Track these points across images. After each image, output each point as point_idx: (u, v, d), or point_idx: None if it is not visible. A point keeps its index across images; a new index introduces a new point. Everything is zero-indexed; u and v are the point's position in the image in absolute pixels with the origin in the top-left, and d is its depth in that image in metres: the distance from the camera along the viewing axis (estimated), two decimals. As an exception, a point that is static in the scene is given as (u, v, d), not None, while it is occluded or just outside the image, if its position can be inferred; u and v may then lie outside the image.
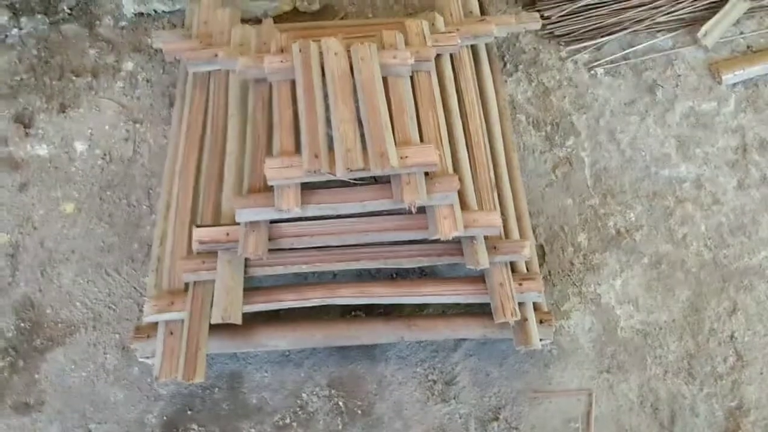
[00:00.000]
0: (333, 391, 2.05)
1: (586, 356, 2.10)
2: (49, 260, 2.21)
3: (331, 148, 1.90)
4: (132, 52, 2.60)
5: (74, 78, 2.55)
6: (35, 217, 2.28)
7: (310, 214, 1.94)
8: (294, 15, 2.67)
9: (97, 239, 2.24)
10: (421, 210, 1.96)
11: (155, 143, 2.40)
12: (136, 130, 2.43)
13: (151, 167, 2.35)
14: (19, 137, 2.42)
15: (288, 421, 2.01)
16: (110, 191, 2.32)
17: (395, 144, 1.93)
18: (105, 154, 2.38)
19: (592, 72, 2.59)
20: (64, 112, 2.48)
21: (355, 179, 1.91)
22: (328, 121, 1.96)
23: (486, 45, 2.44)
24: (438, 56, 2.25)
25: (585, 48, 2.63)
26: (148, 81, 2.53)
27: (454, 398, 2.04)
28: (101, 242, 2.24)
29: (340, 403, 2.04)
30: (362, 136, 1.93)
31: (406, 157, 1.91)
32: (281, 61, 2.05)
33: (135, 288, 2.16)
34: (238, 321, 1.89)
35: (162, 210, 2.13)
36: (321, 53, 2.06)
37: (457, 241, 1.99)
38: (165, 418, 2.01)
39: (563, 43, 2.64)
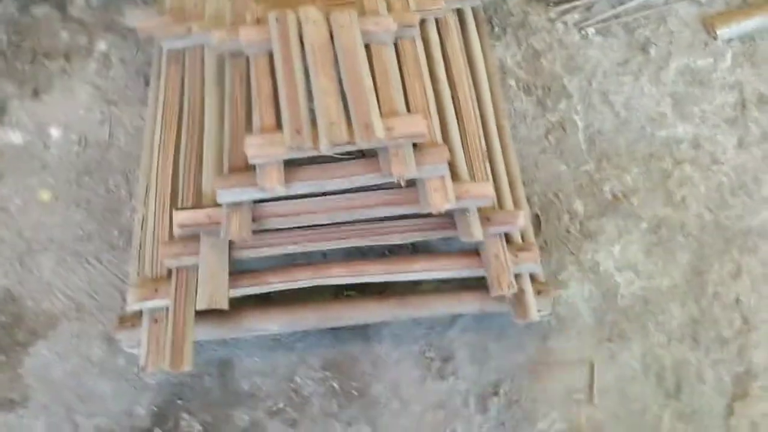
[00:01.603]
0: (327, 374, 1.99)
1: (586, 326, 2.04)
2: (28, 250, 2.13)
3: (313, 122, 1.82)
4: (105, 32, 2.50)
5: (46, 61, 2.46)
6: (12, 207, 2.20)
7: (295, 192, 1.86)
8: (271, -15, 2.57)
9: (75, 227, 2.17)
10: (411, 183, 1.89)
11: (132, 125, 2.31)
12: (111, 113, 2.34)
13: (129, 150, 2.27)
14: (-8, 126, 2.34)
15: (282, 405, 1.95)
16: (87, 177, 2.24)
17: (381, 115, 1.84)
18: (81, 139, 2.30)
19: (583, 32, 2.50)
20: (37, 96, 2.39)
21: (340, 154, 1.84)
22: (309, 93, 1.87)
23: (472, 8, 2.35)
24: (422, 21, 2.16)
25: (574, 8, 2.53)
26: (122, 61, 2.44)
27: (452, 375, 1.98)
28: (80, 230, 2.16)
29: (335, 385, 1.98)
30: (346, 108, 1.84)
31: (393, 128, 1.82)
32: (257, 33, 1.96)
33: (117, 276, 2.09)
34: (225, 306, 1.82)
35: (141, 194, 2.04)
36: (299, 22, 1.97)
37: (449, 214, 1.91)
38: (154, 408, 1.94)
39: (552, 4, 2.55)
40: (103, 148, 2.28)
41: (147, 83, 2.33)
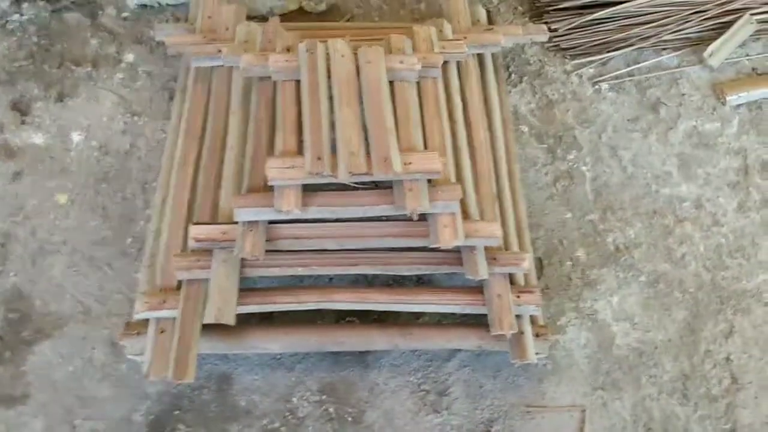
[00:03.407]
0: (324, 397, 2.02)
1: (580, 372, 2.08)
2: (41, 251, 2.17)
3: (334, 150, 1.88)
4: (134, 44, 2.57)
5: (74, 67, 2.52)
6: (28, 207, 2.24)
7: (310, 216, 1.91)
8: (299, 14, 2.64)
9: (90, 232, 2.21)
10: (422, 217, 1.94)
11: (153, 137, 2.37)
12: (134, 123, 2.39)
13: (148, 161, 2.32)
14: (15, 125, 2.38)
15: (277, 425, 1.98)
16: (105, 184, 2.28)
17: (399, 150, 1.91)
18: (101, 146, 2.35)
19: (597, 87, 2.58)
20: (62, 101, 2.45)
21: (357, 183, 1.89)
22: (332, 123, 1.94)
23: (492, 55, 2.43)
24: (444, 64, 2.23)
25: (590, 62, 2.62)
26: (148, 74, 2.50)
27: (446, 409, 2.02)
28: (94, 235, 2.20)
29: (331, 410, 2.00)
30: (366, 140, 1.91)
31: (410, 163, 1.89)
32: (287, 60, 2.02)
33: (126, 283, 2.13)
34: (232, 322, 1.85)
35: (157, 205, 2.10)
36: (327, 54, 2.03)
37: (456, 250, 1.97)
38: (152, 417, 1.97)
39: (569, 57, 2.63)
40: (123, 157, 2.33)
41: (171, 98, 2.39)
